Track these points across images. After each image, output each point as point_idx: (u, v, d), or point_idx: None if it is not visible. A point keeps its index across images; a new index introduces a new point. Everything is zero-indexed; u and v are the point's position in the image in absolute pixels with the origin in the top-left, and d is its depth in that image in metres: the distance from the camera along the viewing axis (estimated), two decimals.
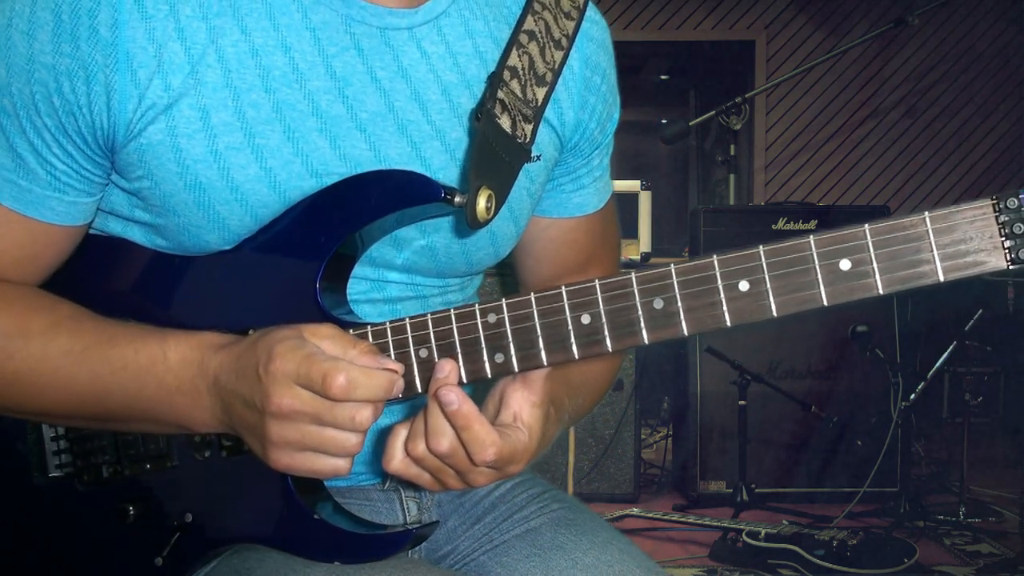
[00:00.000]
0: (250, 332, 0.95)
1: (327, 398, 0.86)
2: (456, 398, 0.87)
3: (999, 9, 6.78)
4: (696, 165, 8.11)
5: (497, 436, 0.88)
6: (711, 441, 3.80)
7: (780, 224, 3.84)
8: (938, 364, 3.62)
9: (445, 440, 0.88)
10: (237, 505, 1.00)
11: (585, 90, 1.14)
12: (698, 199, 8.00)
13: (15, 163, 0.96)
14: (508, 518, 1.14)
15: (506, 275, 1.34)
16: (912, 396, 3.57)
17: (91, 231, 1.07)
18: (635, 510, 3.53)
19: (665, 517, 3.43)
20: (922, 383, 3.60)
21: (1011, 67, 6.85)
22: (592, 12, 1.15)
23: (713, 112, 3.93)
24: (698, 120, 3.95)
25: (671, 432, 4.28)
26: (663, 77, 8.16)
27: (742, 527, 3.15)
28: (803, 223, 3.82)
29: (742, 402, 3.58)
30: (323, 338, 0.89)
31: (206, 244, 1.00)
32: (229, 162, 0.97)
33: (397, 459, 0.92)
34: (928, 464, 4.22)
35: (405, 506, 1.15)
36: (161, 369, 0.94)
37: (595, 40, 1.15)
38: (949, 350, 3.60)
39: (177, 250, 1.03)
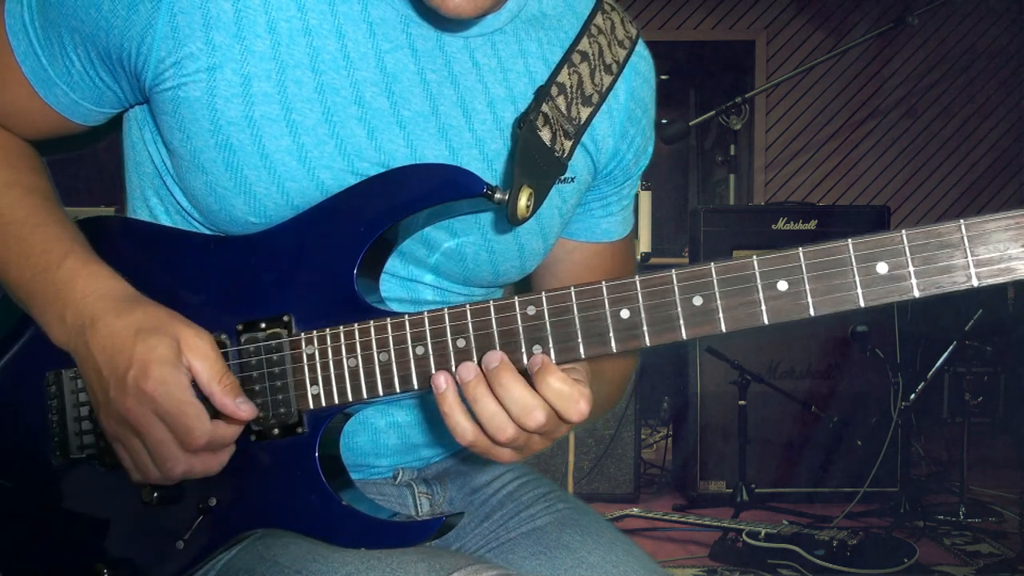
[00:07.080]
0: (140, 302, 1.00)
1: (180, 443, 0.95)
2: (541, 359, 0.89)
3: (999, 9, 6.79)
4: (696, 165, 8.10)
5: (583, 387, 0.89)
6: (711, 441, 3.80)
7: (780, 224, 3.82)
8: (938, 364, 3.62)
9: (541, 413, 0.88)
10: (262, 490, 1.00)
11: (627, 121, 1.17)
12: (698, 199, 8.00)
13: (47, 42, 1.04)
14: (514, 516, 1.16)
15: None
16: (912, 396, 3.58)
17: (134, 215, 1.14)
18: (635, 510, 3.54)
19: (665, 517, 3.43)
20: (922, 383, 3.60)
21: (1011, 67, 6.86)
22: (641, 48, 1.18)
23: (713, 112, 3.93)
24: (698, 120, 3.94)
25: (671, 432, 4.29)
26: (663, 77, 8.08)
27: (742, 527, 3.15)
28: (803, 223, 3.81)
29: (742, 402, 3.59)
30: (199, 357, 0.96)
31: (232, 210, 1.02)
32: (263, 131, 0.99)
33: (470, 431, 0.91)
34: (928, 464, 4.22)
35: (417, 501, 1.17)
36: (51, 276, 1.02)
37: (641, 75, 1.18)
38: (949, 350, 3.61)
39: (208, 222, 1.05)
